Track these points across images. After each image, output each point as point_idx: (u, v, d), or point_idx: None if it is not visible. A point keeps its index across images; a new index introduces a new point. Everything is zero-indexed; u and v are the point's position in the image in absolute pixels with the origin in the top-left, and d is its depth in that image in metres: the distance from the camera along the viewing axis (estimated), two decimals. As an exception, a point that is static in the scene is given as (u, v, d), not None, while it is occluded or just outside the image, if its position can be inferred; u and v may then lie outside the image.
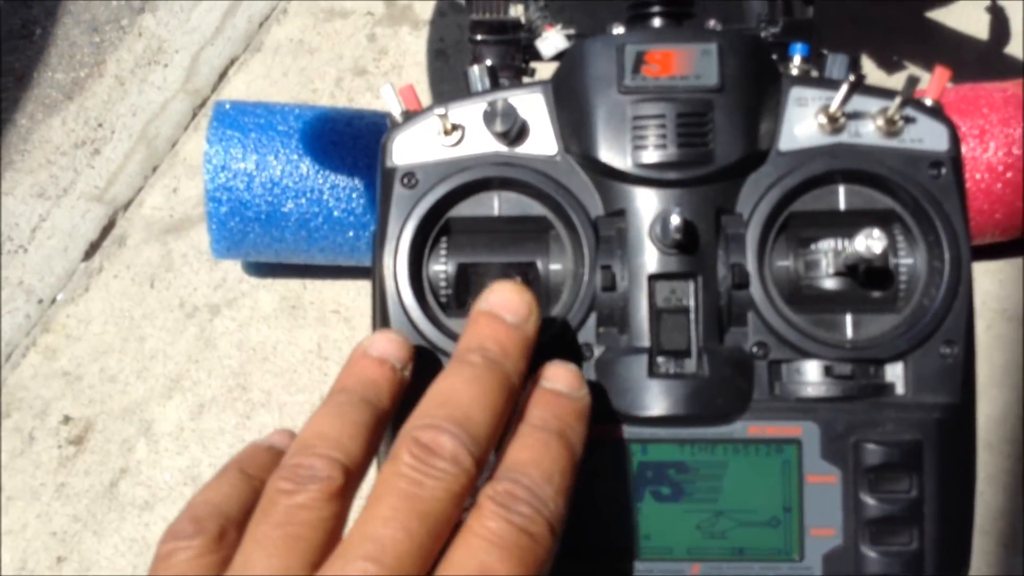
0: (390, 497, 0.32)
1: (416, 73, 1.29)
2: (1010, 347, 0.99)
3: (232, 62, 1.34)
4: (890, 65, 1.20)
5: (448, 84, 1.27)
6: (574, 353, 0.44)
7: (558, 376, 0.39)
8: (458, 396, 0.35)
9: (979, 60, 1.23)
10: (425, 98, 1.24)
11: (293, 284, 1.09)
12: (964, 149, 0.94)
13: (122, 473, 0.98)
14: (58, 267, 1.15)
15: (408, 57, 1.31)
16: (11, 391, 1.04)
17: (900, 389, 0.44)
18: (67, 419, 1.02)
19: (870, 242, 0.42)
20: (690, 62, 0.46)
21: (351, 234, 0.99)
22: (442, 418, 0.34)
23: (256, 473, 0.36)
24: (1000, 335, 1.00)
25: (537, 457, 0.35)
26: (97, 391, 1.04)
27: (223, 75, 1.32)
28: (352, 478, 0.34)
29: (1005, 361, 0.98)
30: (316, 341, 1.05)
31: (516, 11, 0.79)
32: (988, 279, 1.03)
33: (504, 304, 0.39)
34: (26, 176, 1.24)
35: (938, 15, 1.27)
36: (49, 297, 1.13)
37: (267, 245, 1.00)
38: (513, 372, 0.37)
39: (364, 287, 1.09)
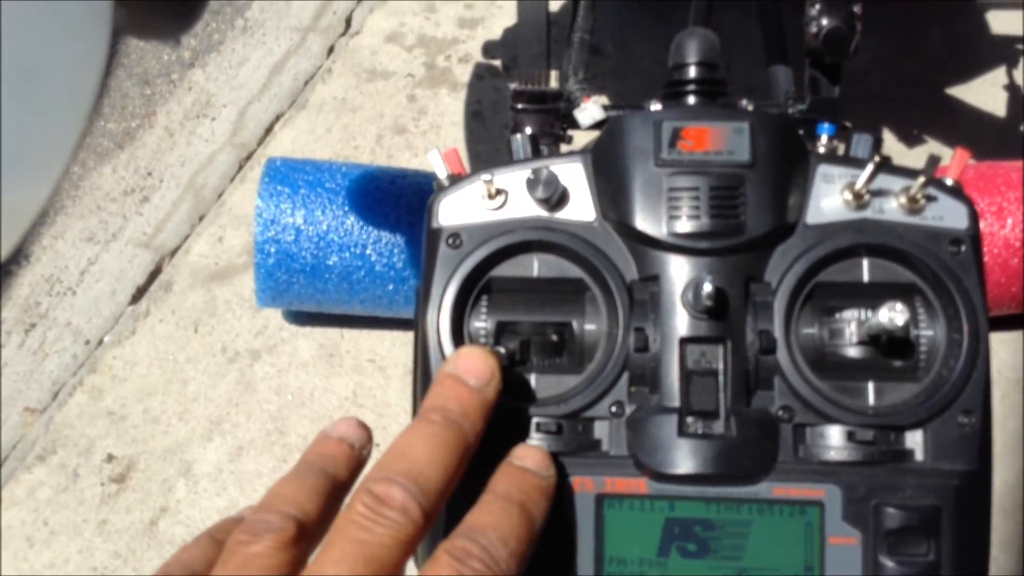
0: (342, 542, 0.35)
1: (453, 133, 1.33)
2: (1025, 416, 1.00)
3: (278, 118, 1.38)
4: (911, 139, 1.22)
5: (484, 144, 1.30)
6: (605, 410, 0.46)
7: (527, 455, 0.42)
8: (414, 452, 0.38)
9: (998, 136, 1.26)
10: (463, 156, 1.27)
11: (331, 333, 1.12)
12: (982, 225, 0.96)
13: (162, 512, 1.00)
14: (105, 310, 1.19)
15: (446, 118, 1.35)
16: (58, 429, 1.07)
17: (919, 455, 0.44)
18: (111, 458, 1.04)
19: (892, 314, 0.44)
20: (723, 139, 0.48)
21: (391, 287, 1.01)
22: (396, 472, 0.37)
23: (224, 538, 0.38)
24: (1015, 404, 1.01)
25: (496, 521, 0.38)
26: (140, 431, 1.06)
27: (269, 130, 1.37)
28: (306, 531, 0.36)
29: (1020, 429, 0.99)
30: (352, 388, 1.08)
31: (555, 81, 0.83)
32: (1004, 349, 1.05)
33: (468, 368, 0.42)
34: (77, 221, 1.29)
35: (958, 92, 1.30)
36: (96, 339, 1.16)
37: (310, 296, 1.03)
38: (470, 432, 0.40)
39: (399, 337, 1.12)
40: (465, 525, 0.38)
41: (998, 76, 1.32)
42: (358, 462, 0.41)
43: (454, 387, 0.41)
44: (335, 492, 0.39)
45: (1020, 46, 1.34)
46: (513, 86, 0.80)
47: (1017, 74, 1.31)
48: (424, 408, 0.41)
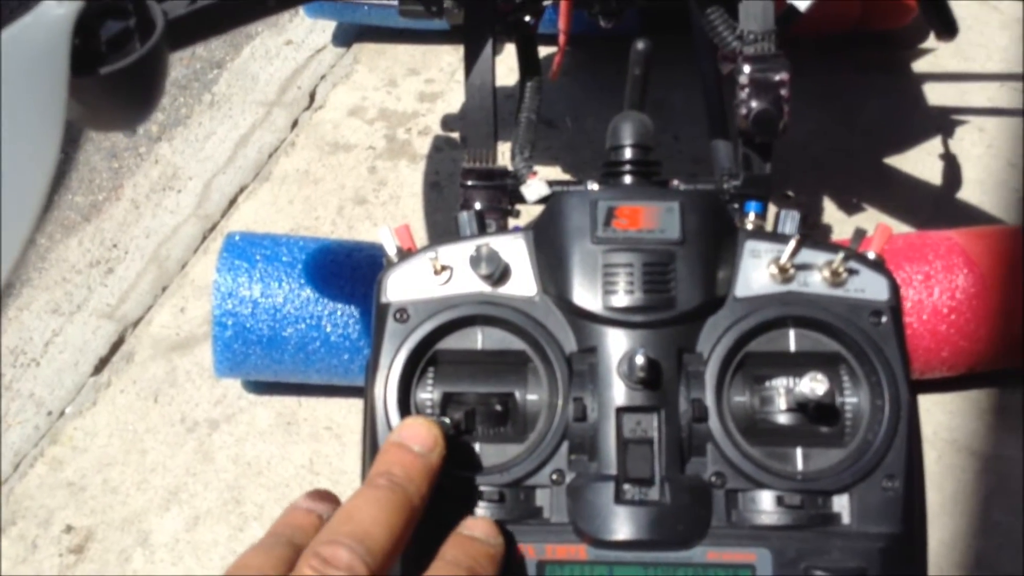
0: None
1: (412, 203, 1.35)
2: (960, 476, 1.03)
3: (242, 190, 1.41)
4: (849, 207, 1.26)
5: (442, 213, 1.33)
6: (546, 478, 0.48)
7: (475, 525, 0.44)
8: (360, 515, 0.39)
9: (934, 204, 1.30)
10: (421, 226, 1.30)
11: (289, 401, 1.14)
12: (911, 293, 0.99)
13: (119, 583, 1.00)
14: (68, 381, 1.19)
15: (405, 188, 1.37)
16: (18, 500, 1.07)
17: (846, 519, 0.46)
18: (69, 528, 1.04)
19: (814, 384, 0.46)
20: (655, 217, 0.51)
21: (346, 357, 1.03)
22: (342, 534, 0.38)
23: None
24: (951, 464, 1.04)
25: None
26: (99, 502, 1.07)
27: (233, 202, 1.39)
28: None
29: (955, 490, 1.01)
30: (308, 456, 1.09)
31: (503, 160, 0.86)
32: (940, 410, 1.07)
33: (413, 436, 0.44)
34: (42, 293, 1.30)
35: (895, 162, 1.35)
36: (58, 410, 1.17)
37: (267, 366, 1.05)
38: (415, 495, 0.42)
39: (356, 405, 1.13)
40: None
41: (934, 146, 1.37)
42: None
43: (399, 453, 0.43)
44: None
45: (954, 117, 1.40)
46: (464, 165, 0.84)
47: (952, 144, 1.36)
48: (370, 474, 0.42)
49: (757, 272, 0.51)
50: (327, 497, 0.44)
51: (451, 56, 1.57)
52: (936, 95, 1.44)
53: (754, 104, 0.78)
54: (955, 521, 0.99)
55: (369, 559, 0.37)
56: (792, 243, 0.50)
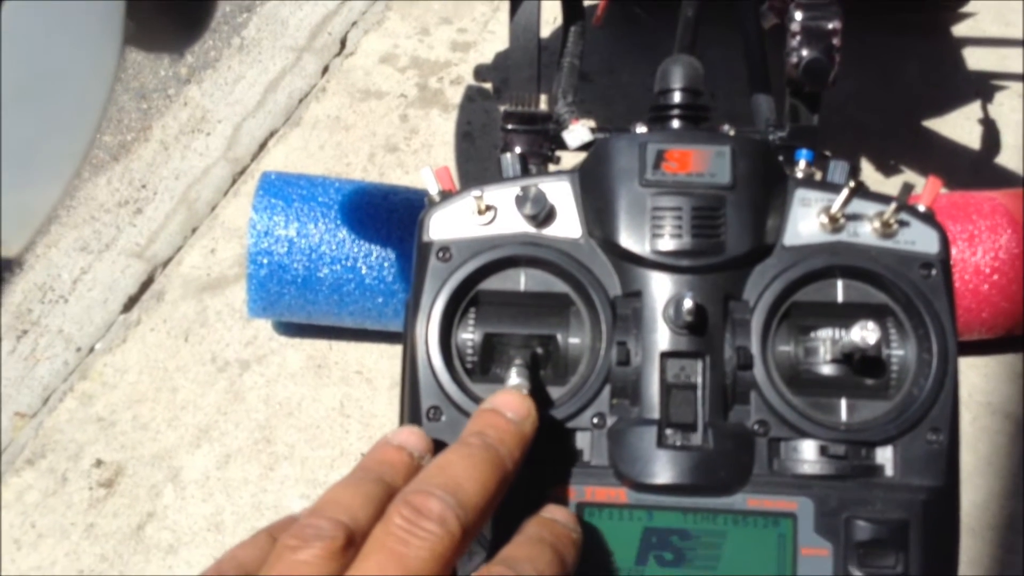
0: (377, 554, 0.34)
1: (444, 152, 1.35)
2: (994, 438, 1.03)
3: (272, 134, 1.40)
4: (887, 168, 1.25)
5: (473, 164, 1.33)
6: (587, 421, 0.48)
7: (557, 511, 0.43)
8: (452, 468, 0.38)
9: (972, 167, 1.29)
10: (452, 175, 1.30)
11: (320, 344, 1.14)
12: (954, 252, 0.98)
13: (149, 517, 1.01)
14: (97, 318, 1.20)
15: (437, 137, 1.37)
16: (47, 433, 1.08)
17: (889, 471, 0.46)
18: (99, 463, 1.05)
19: (865, 333, 0.45)
20: (705, 161, 0.50)
21: (380, 300, 1.03)
22: (434, 485, 0.37)
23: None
24: (985, 427, 1.04)
25: (532, 555, 0.39)
26: (129, 437, 1.08)
27: (263, 146, 1.39)
28: (355, 540, 0.35)
29: (989, 452, 1.01)
30: (339, 399, 1.09)
31: (544, 104, 0.84)
32: (975, 373, 1.07)
33: (506, 403, 0.43)
34: (71, 231, 1.30)
35: (934, 125, 1.34)
36: (87, 346, 1.17)
37: (301, 307, 1.05)
38: (507, 457, 0.40)
39: (386, 350, 1.13)
40: (501, 557, 0.38)
41: (973, 110, 1.35)
42: (416, 471, 0.40)
43: (491, 417, 0.42)
44: (390, 501, 0.38)
45: (994, 82, 1.38)
46: (504, 107, 0.82)
47: (991, 108, 1.34)
48: (462, 435, 0.41)
49: (806, 221, 0.50)
50: (420, 436, 0.42)
51: (484, 6, 1.55)
52: (975, 59, 1.42)
53: (805, 53, 0.76)
54: (988, 482, 0.99)
55: (461, 512, 0.36)
56: (845, 192, 0.49)
